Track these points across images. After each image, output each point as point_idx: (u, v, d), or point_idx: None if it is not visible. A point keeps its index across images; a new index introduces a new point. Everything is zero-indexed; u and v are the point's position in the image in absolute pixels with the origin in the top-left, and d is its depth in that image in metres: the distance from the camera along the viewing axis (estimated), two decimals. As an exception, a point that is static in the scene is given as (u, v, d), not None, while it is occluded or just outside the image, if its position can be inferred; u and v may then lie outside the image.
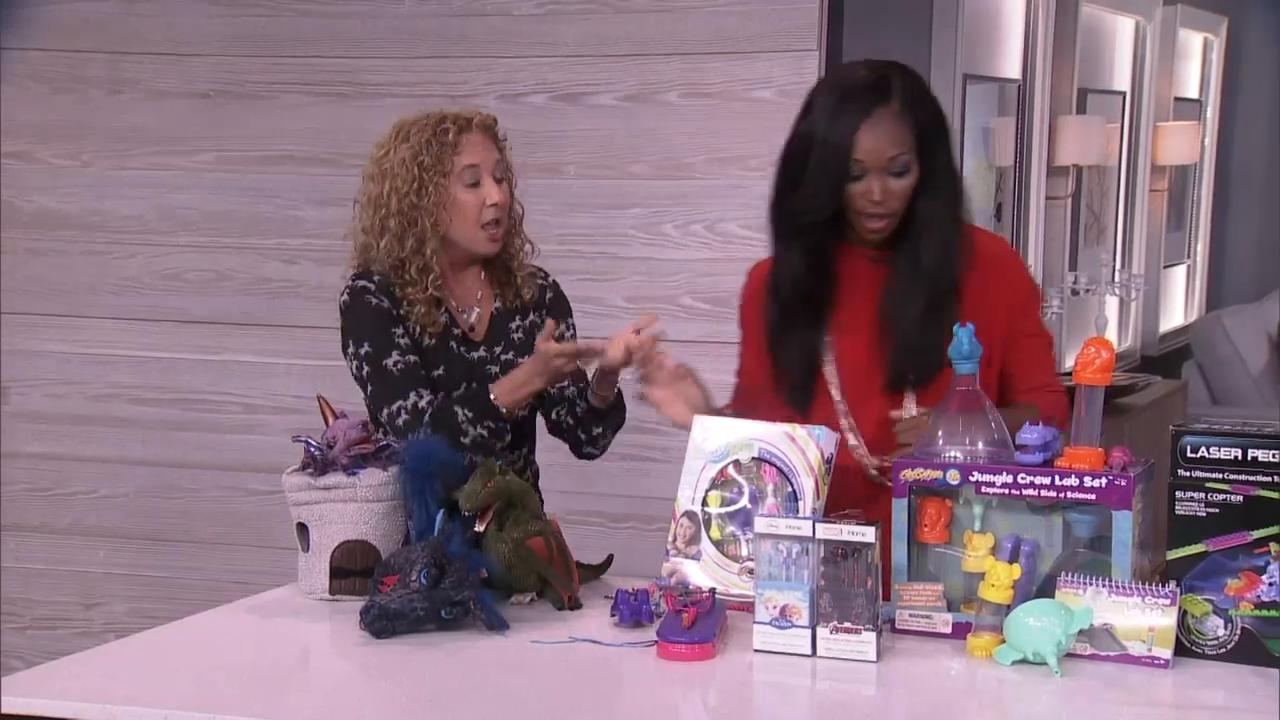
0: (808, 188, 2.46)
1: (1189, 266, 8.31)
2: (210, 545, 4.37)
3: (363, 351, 2.63)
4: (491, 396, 2.58)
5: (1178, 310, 8.15)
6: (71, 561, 4.50)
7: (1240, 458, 2.02)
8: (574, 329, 2.87)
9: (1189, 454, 2.05)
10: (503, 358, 2.72)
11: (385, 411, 2.59)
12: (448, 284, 2.70)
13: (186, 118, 4.31)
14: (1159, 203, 7.60)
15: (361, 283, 2.66)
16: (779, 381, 2.56)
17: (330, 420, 2.48)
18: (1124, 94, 7.11)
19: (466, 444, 2.55)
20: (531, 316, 2.79)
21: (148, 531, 4.43)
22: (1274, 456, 2.00)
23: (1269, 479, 2.00)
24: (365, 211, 2.70)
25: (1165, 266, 7.73)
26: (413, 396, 2.58)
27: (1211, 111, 8.19)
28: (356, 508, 2.39)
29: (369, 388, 2.63)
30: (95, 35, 4.35)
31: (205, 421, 4.37)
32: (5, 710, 1.98)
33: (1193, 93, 8.01)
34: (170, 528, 4.41)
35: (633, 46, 3.99)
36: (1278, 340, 6.92)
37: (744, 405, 2.62)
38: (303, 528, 2.43)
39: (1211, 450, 2.04)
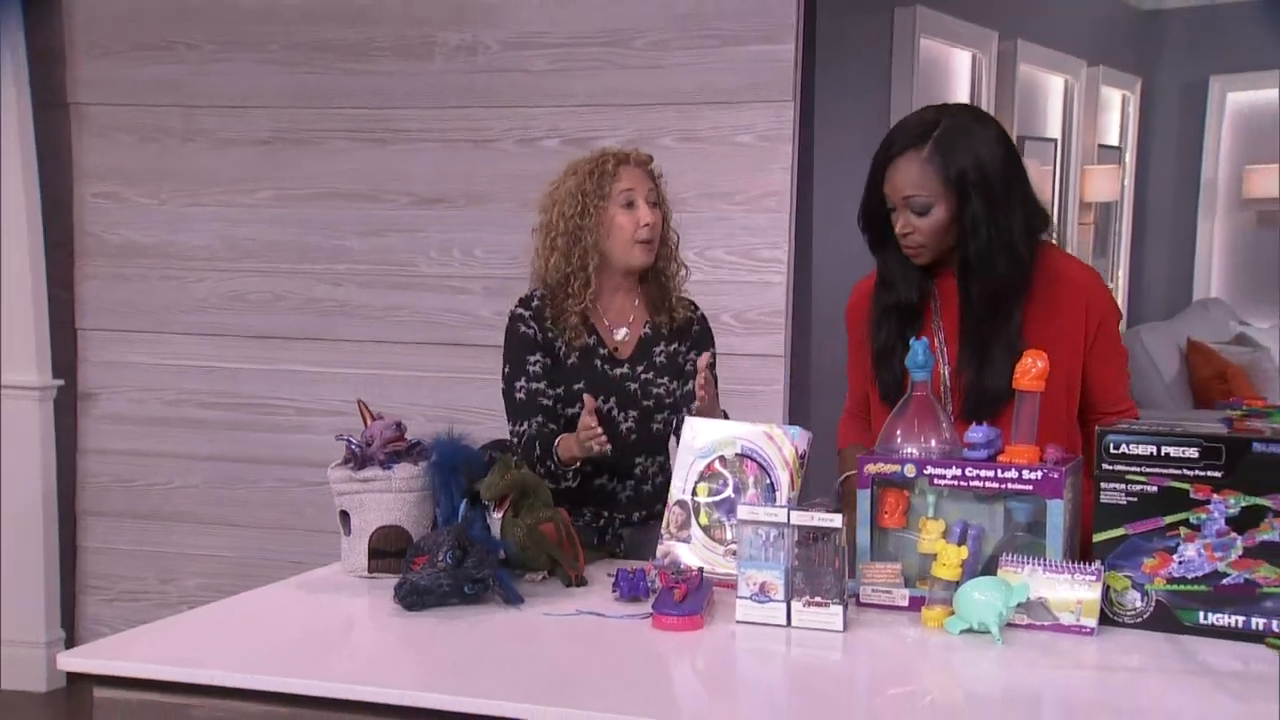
0: (860, 210, 2.43)
1: (1111, 289, 8.30)
2: (268, 529, 4.36)
3: (504, 372, 2.64)
4: (555, 443, 2.53)
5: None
6: (150, 543, 4.51)
7: (1155, 453, 2.00)
8: (714, 356, 2.72)
9: (1112, 450, 2.03)
10: (643, 376, 2.65)
11: (510, 431, 2.61)
12: (602, 303, 2.66)
13: (249, 162, 4.32)
14: (1086, 234, 7.61)
15: (518, 310, 2.65)
16: (876, 379, 2.45)
17: (369, 421, 2.46)
18: (1056, 141, 7.11)
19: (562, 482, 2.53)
20: (677, 344, 2.70)
21: (215, 517, 4.43)
22: (1183, 452, 1.98)
23: (1179, 471, 1.98)
24: (537, 236, 2.68)
25: (1091, 289, 7.70)
26: (524, 425, 2.58)
27: (1129, 156, 8.19)
28: (391, 497, 2.37)
29: (505, 405, 2.64)
30: (171, 93, 4.36)
31: (264, 423, 4.37)
32: (93, 671, 1.97)
33: (1113, 140, 8.01)
34: (234, 514, 4.41)
35: (633, 98, 3.99)
36: (1186, 353, 6.89)
37: (855, 405, 2.58)
38: (345, 515, 2.41)
39: (1131, 447, 2.01)
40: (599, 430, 2.41)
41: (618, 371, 2.64)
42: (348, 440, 2.42)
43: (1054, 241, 2.44)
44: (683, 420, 2.53)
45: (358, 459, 2.39)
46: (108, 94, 4.41)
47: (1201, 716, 1.73)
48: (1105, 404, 2.36)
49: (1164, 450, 1.99)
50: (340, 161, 4.24)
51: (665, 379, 2.67)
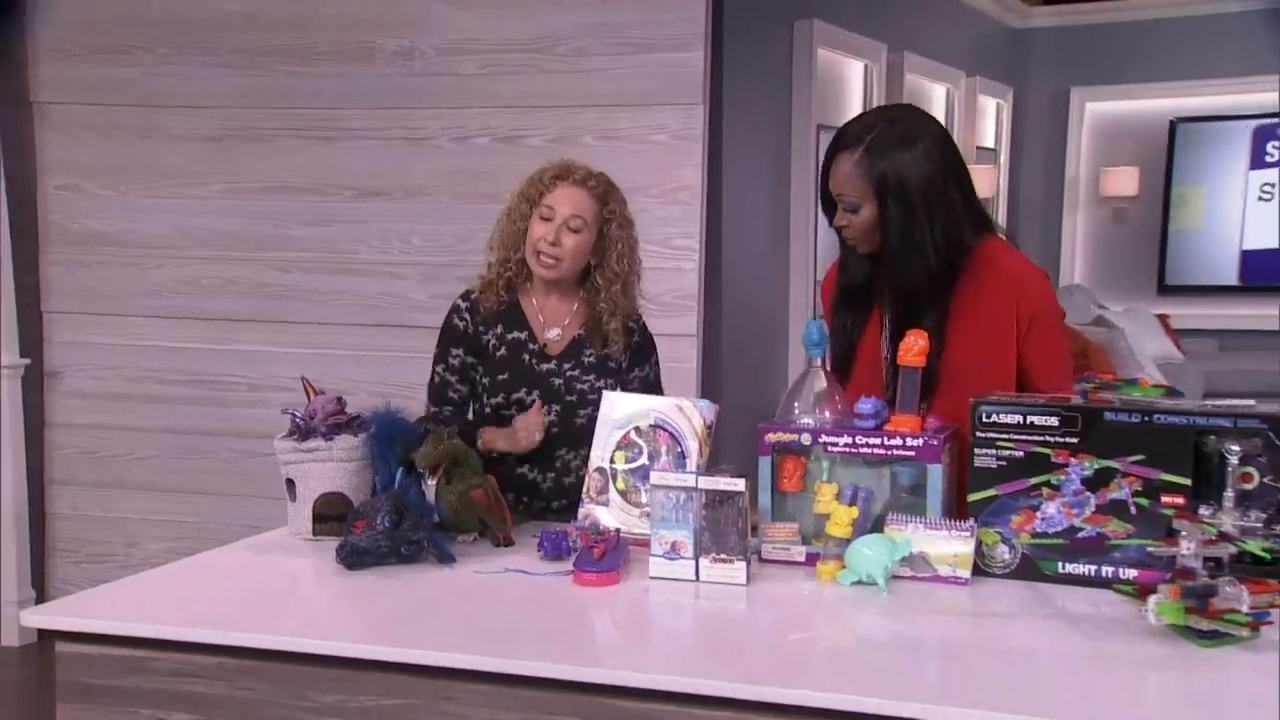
0: (819, 196, 2.37)
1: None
2: (223, 496, 4.28)
3: (435, 353, 2.60)
4: (479, 433, 2.47)
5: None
6: (115, 509, 4.42)
7: (1022, 422, 2.01)
8: (657, 365, 2.65)
9: (984, 419, 2.03)
10: (569, 373, 2.55)
11: (425, 407, 2.58)
12: (538, 299, 2.59)
13: (202, 157, 4.22)
14: (965, 226, 7.68)
15: (457, 302, 2.59)
16: (832, 350, 2.38)
17: (312, 396, 2.41)
18: (938, 142, 7.17)
19: None
20: (608, 349, 2.57)
21: (174, 485, 4.35)
22: (1045, 421, 2.00)
23: (1042, 438, 2.00)
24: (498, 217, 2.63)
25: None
26: (434, 409, 2.56)
27: (1004, 157, 8.30)
28: (333, 466, 2.32)
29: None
30: (129, 93, 4.26)
31: (219, 398, 4.29)
32: (56, 626, 1.92)
33: (990, 143, 8.10)
34: (192, 482, 4.33)
35: (556, 100, 3.96)
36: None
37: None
38: (290, 482, 2.36)
39: (1001, 416, 2.02)
40: (537, 424, 2.42)
41: (544, 367, 2.56)
42: (293, 414, 2.37)
43: (1004, 238, 2.35)
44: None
45: (302, 431, 2.34)
46: (69, 93, 4.29)
47: (1059, 654, 1.75)
48: (1041, 383, 2.26)
49: (1029, 419, 2.00)
50: (286, 157, 4.16)
51: (592, 377, 2.56)
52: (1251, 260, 8.00)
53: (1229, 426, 1.88)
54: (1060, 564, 2.00)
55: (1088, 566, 1.98)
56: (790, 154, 5.09)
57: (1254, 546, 1.79)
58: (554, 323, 2.59)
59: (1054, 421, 1.98)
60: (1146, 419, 1.92)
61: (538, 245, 2.51)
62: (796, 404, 2.19)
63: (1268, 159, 7.86)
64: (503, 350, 2.56)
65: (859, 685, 1.63)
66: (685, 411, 2.29)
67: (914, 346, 2.11)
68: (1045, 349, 2.28)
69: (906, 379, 2.11)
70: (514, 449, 2.46)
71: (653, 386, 2.63)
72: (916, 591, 2.01)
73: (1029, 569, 2.02)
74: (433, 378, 2.60)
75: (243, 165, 4.18)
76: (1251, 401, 1.91)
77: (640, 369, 2.63)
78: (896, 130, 2.25)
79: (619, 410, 2.34)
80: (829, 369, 2.25)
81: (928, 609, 1.94)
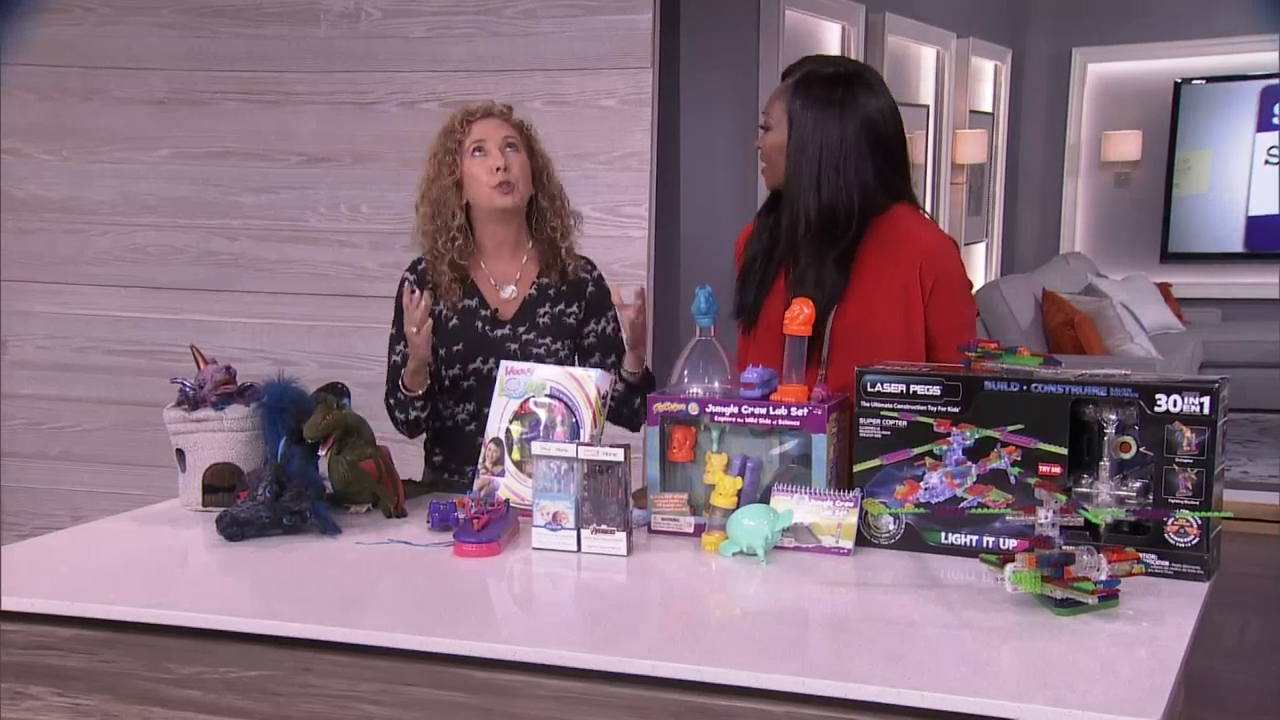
0: None
1: (987, 244, 8.36)
2: (171, 469, 4.26)
3: (391, 334, 2.58)
4: (401, 375, 2.48)
5: (980, 279, 8.18)
6: (62, 481, 4.44)
7: (905, 391, 2.00)
8: (614, 322, 2.59)
9: (869, 389, 2.03)
10: (524, 337, 2.52)
11: (385, 395, 2.56)
12: (487, 263, 2.56)
13: (146, 121, 4.23)
14: (959, 193, 7.64)
15: (404, 275, 2.58)
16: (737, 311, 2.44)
17: (202, 365, 2.43)
18: (928, 107, 7.11)
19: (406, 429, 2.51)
20: (564, 305, 2.55)
21: (122, 457, 4.37)
22: (928, 390, 1.99)
23: (924, 408, 1.99)
24: (416, 200, 2.58)
25: (967, 244, 7.76)
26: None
27: (1002, 121, 8.22)
28: (223, 436, 2.35)
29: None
30: (71, 54, 4.26)
31: (166, 369, 4.24)
32: None
33: (986, 107, 8.02)
34: (139, 454, 4.34)
35: (505, 64, 3.94)
36: (1041, 302, 6.98)
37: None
38: (181, 453, 2.39)
39: (885, 386, 2.02)
40: (419, 308, 2.35)
41: (498, 333, 2.54)
42: (181, 383, 2.40)
43: (920, 208, 2.42)
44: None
45: (191, 401, 2.37)
46: (8, 54, 4.29)
47: (934, 623, 1.75)
48: (943, 353, 2.29)
49: (912, 388, 2.00)
50: (233, 121, 4.16)
51: (548, 339, 2.54)
52: (1257, 226, 7.93)
53: (1103, 396, 1.87)
54: (943, 534, 2.00)
55: (969, 537, 1.98)
56: (758, 123, 5.06)
57: (1092, 515, 1.78)
58: (506, 282, 2.56)
59: (936, 391, 1.98)
60: (1025, 388, 1.92)
61: (489, 179, 2.48)
62: (686, 373, 2.19)
63: (1275, 121, 7.78)
64: (455, 320, 2.54)
65: (724, 658, 1.64)
66: (579, 380, 2.30)
67: (799, 315, 2.11)
68: (948, 319, 2.30)
69: (792, 348, 2.12)
70: (422, 350, 2.40)
71: (611, 341, 2.59)
72: (799, 562, 2.02)
73: (913, 539, 2.03)
74: (390, 359, 2.55)
75: (188, 129, 4.19)
76: (1127, 371, 1.90)
77: (596, 322, 2.59)
78: (831, 83, 2.32)
79: (515, 381, 2.35)
80: (727, 337, 2.25)
81: (807, 580, 1.95)
